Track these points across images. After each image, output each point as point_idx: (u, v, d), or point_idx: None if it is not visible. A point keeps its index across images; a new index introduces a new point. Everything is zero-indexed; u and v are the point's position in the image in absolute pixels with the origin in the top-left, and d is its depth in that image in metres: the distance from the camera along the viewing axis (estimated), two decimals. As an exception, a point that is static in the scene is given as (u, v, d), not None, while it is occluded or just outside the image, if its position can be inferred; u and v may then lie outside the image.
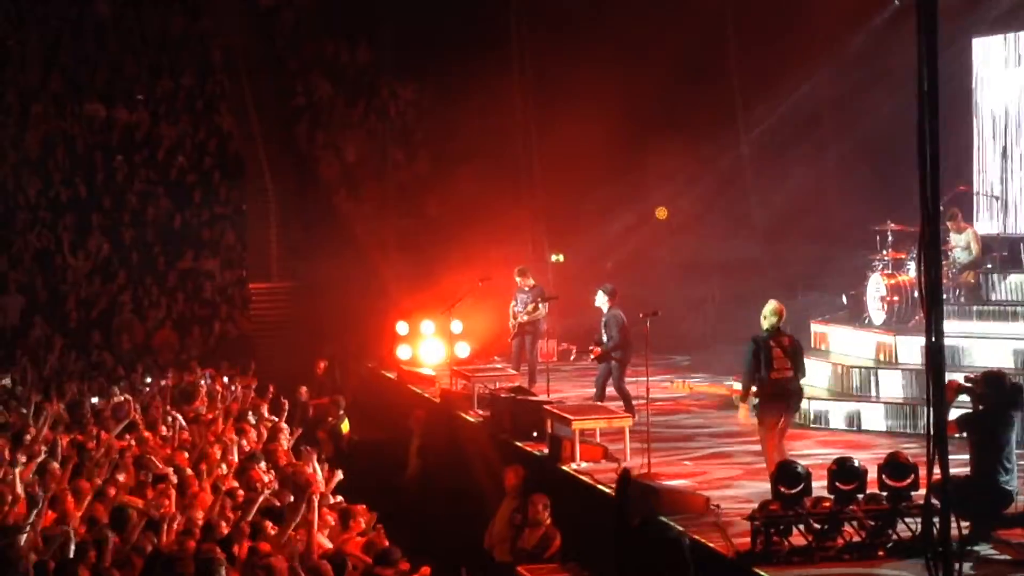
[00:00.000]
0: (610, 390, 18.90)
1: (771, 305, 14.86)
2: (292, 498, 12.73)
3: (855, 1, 22.62)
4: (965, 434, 12.24)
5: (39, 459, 14.08)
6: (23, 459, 14.11)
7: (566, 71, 25.99)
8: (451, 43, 28.33)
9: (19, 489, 12.59)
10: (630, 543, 13.11)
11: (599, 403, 18.66)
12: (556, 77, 26.72)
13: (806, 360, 15.26)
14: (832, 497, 12.46)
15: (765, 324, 14.80)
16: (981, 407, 12.37)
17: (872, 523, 12.34)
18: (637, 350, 18.06)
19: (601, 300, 19.02)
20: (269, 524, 11.86)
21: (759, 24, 24.62)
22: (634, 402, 17.86)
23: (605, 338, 18.77)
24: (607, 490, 15.40)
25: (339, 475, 13.93)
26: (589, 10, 27.21)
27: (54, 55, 29.83)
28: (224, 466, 14.38)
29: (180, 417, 17.37)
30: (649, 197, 26.92)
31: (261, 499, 12.45)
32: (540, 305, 21.37)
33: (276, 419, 18.05)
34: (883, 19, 22.64)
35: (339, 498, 13.98)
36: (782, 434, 14.80)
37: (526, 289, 21.58)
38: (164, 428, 16.80)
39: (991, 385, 12.42)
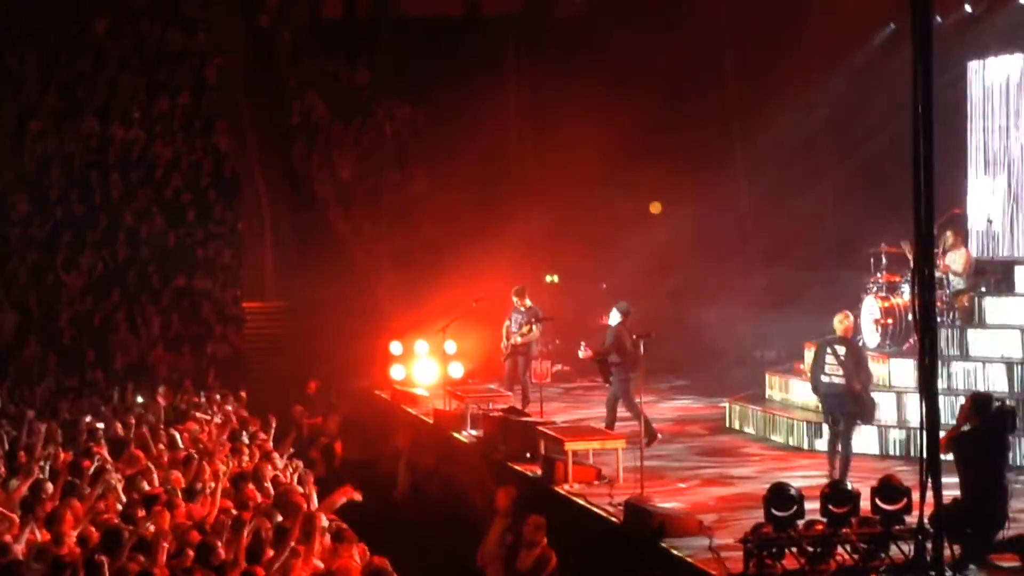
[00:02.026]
0: (622, 411, 18.87)
1: (837, 316, 16.28)
2: (282, 518, 12.70)
3: (851, 23, 22.69)
4: (952, 456, 12.25)
5: (33, 478, 14.06)
6: (18, 477, 14.11)
7: (562, 93, 26.06)
8: (447, 64, 28.38)
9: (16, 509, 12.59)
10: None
11: (609, 427, 18.65)
12: (552, 99, 26.78)
13: (799, 381, 15.49)
14: (825, 520, 12.46)
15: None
16: (969, 429, 12.38)
17: (865, 546, 12.33)
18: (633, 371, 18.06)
19: (614, 318, 19.01)
20: (266, 547, 11.83)
21: (754, 46, 24.70)
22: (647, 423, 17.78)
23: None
24: (600, 511, 15.41)
25: (342, 500, 13.93)
26: (584, 33, 27.27)
27: (51, 73, 29.84)
28: (216, 486, 14.34)
29: (177, 435, 17.39)
30: (645, 219, 26.91)
31: (251, 519, 12.42)
32: (534, 327, 21.37)
33: (267, 438, 18.03)
34: (879, 42, 22.74)
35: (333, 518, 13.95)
36: (837, 437, 15.92)
37: (522, 309, 21.59)
38: (157, 447, 16.76)
39: (977, 408, 12.45)
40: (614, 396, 18.91)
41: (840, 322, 16.39)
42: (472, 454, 19.40)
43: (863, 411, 16.26)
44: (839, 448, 16.16)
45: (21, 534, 11.90)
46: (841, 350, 16.11)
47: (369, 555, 12.63)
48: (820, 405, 16.88)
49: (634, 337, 16.57)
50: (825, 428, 17.09)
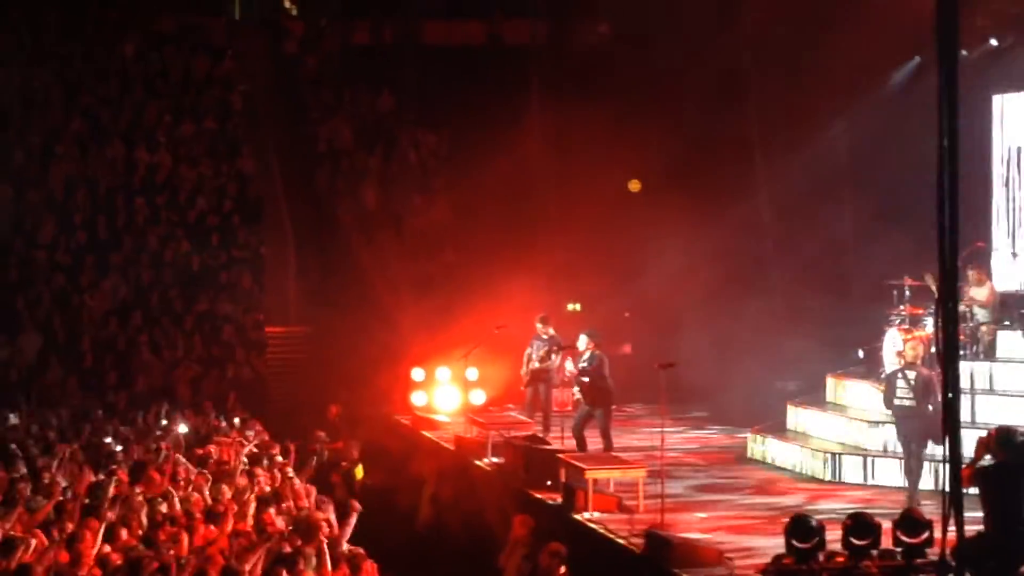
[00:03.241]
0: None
1: (909, 343, 17.39)
2: (301, 543, 12.72)
3: (876, 55, 22.69)
4: (977, 489, 12.20)
5: (55, 500, 14.10)
6: (41, 500, 14.15)
7: (584, 121, 26.08)
8: (471, 92, 28.51)
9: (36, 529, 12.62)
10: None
11: (584, 450, 19.05)
12: (574, 127, 26.82)
13: (824, 413, 15.47)
14: (846, 552, 12.41)
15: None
16: (994, 462, 12.33)
17: (886, 579, 12.28)
18: (654, 400, 18.10)
19: (582, 343, 19.26)
20: (284, 572, 11.84)
21: (777, 75, 24.69)
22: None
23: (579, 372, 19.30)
24: (620, 540, 15.38)
25: (352, 522, 13.94)
26: (606, 62, 27.35)
27: (77, 97, 30.00)
28: (237, 509, 14.37)
29: (198, 459, 17.43)
30: (667, 248, 26.87)
31: (270, 544, 12.44)
32: (553, 355, 21.39)
33: (288, 462, 18.05)
34: (905, 73, 22.74)
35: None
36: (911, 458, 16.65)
37: (544, 337, 21.62)
38: (178, 470, 16.79)
39: (1002, 440, 12.40)
40: (584, 419, 19.32)
41: (912, 348, 17.16)
42: (493, 482, 19.39)
43: (936, 432, 16.64)
44: (912, 467, 16.83)
45: (42, 555, 11.93)
46: (911, 375, 16.77)
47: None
48: (896, 428, 17.37)
49: (656, 367, 16.55)
50: (898, 449, 17.72)
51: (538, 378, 21.70)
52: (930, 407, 16.44)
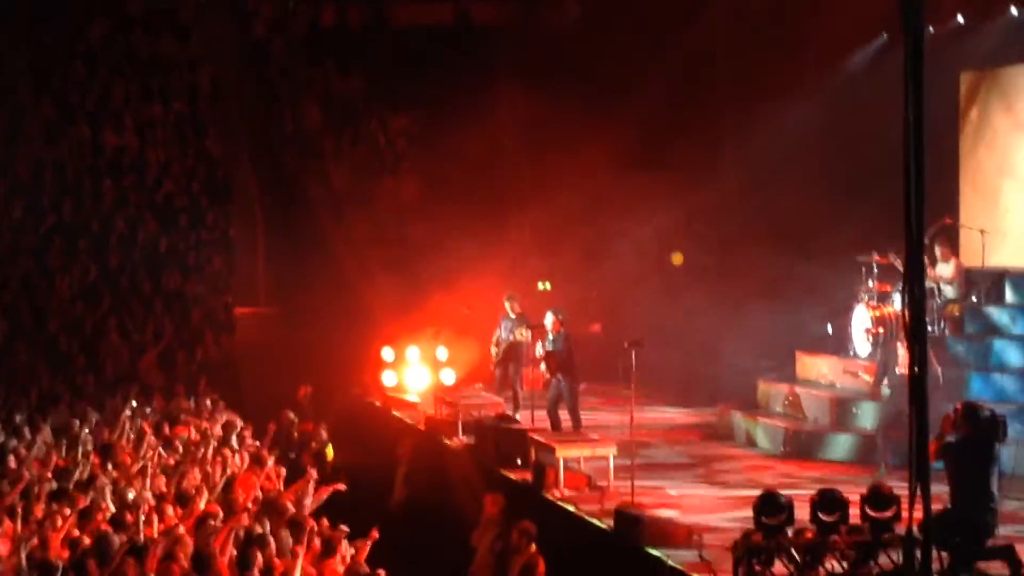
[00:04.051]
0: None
1: None
2: (272, 522, 12.72)
3: (843, 33, 22.72)
4: (943, 464, 12.28)
5: (23, 484, 14.06)
6: (6, 485, 14.10)
7: (554, 101, 26.07)
8: (440, 73, 28.44)
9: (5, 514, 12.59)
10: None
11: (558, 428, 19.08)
12: (544, 107, 26.78)
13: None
14: (814, 528, 12.48)
15: None
16: (960, 438, 12.41)
17: (854, 554, 12.35)
18: (624, 379, 18.09)
19: (549, 321, 19.30)
20: (256, 552, 11.83)
21: (746, 56, 24.72)
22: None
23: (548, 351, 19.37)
24: (590, 519, 15.43)
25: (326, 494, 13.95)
26: (577, 42, 27.31)
27: (44, 79, 29.83)
28: (206, 491, 14.35)
29: (167, 441, 17.40)
30: (639, 227, 26.88)
31: (239, 523, 12.43)
32: (525, 330, 21.40)
33: (257, 443, 18.04)
34: (872, 51, 22.76)
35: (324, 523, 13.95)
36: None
37: (512, 316, 21.63)
38: (147, 453, 16.76)
39: (968, 416, 12.47)
40: (556, 397, 19.39)
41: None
42: (463, 461, 19.43)
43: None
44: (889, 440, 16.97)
45: (14, 540, 11.90)
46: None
47: (355, 556, 12.68)
48: (888, 401, 17.61)
49: (625, 345, 16.58)
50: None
51: (508, 357, 21.71)
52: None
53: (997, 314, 19.90)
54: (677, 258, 27.16)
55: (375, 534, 13.40)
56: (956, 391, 17.24)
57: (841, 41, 22.93)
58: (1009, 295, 20.19)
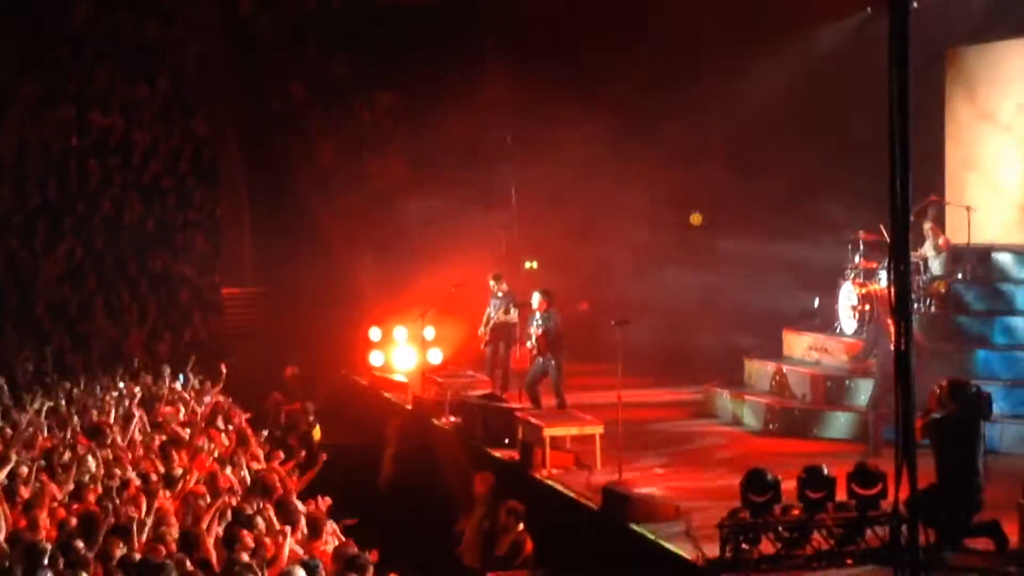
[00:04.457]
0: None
1: None
2: (259, 503, 12.72)
3: (826, 5, 22.71)
4: (928, 441, 12.31)
5: (10, 465, 14.03)
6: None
7: (542, 80, 26.01)
8: (427, 51, 28.36)
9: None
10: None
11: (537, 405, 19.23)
12: (532, 85, 26.72)
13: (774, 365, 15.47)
14: (801, 505, 12.50)
15: None
16: (945, 414, 12.44)
17: (841, 531, 12.38)
18: (611, 357, 18.09)
19: (536, 300, 19.31)
20: (243, 532, 11.82)
21: (730, 33, 24.66)
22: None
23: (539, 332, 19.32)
24: (577, 497, 15.45)
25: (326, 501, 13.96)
26: (564, 20, 27.23)
27: (29, 60, 29.71)
28: (193, 471, 14.33)
29: (154, 421, 17.38)
30: (625, 206, 26.87)
31: (226, 503, 12.42)
32: (512, 309, 21.43)
33: (244, 424, 18.03)
34: (856, 22, 22.72)
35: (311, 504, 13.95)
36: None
37: (499, 295, 21.65)
38: (134, 433, 16.74)
39: (955, 393, 12.51)
40: (538, 376, 19.45)
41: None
42: (451, 440, 19.43)
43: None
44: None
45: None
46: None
47: (344, 536, 12.68)
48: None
49: (611, 323, 16.57)
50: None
51: (497, 336, 21.71)
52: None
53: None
54: (696, 218, 27.11)
55: (351, 521, 13.49)
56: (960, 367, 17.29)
57: (825, 14, 22.90)
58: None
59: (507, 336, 21.72)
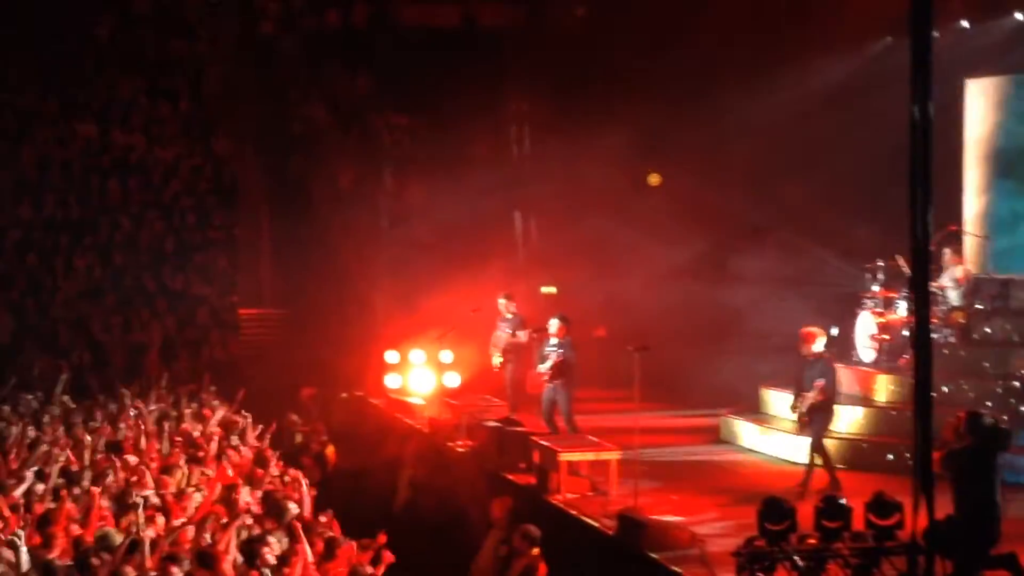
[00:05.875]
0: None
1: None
2: (273, 523, 12.73)
3: (849, 32, 22.71)
4: (947, 472, 12.27)
5: (27, 482, 14.05)
6: (11, 481, 14.09)
7: (560, 103, 26.08)
8: (446, 74, 28.43)
9: (7, 512, 12.57)
10: None
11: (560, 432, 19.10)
12: (550, 109, 26.82)
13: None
14: (818, 534, 12.45)
15: None
16: (963, 446, 12.40)
17: (857, 561, 12.32)
18: (628, 383, 18.07)
19: (554, 326, 19.24)
20: (264, 550, 11.83)
21: (751, 55, 24.67)
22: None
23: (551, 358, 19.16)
24: (593, 522, 15.42)
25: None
26: (584, 44, 27.29)
27: (51, 77, 29.83)
28: (209, 491, 14.34)
29: (171, 440, 17.39)
30: (645, 230, 26.80)
31: (242, 523, 12.43)
32: (520, 333, 21.34)
33: (261, 443, 18.03)
34: (880, 48, 22.73)
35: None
36: None
37: (508, 316, 21.59)
38: (151, 452, 16.76)
39: (971, 424, 12.47)
40: (551, 404, 19.45)
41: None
42: (467, 464, 19.41)
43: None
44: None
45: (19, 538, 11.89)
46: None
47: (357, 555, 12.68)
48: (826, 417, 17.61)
49: (629, 349, 16.55)
50: None
51: (508, 358, 21.63)
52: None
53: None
54: (654, 179, 27.00)
55: (382, 538, 13.39)
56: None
57: (847, 39, 22.91)
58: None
59: (516, 358, 21.62)
